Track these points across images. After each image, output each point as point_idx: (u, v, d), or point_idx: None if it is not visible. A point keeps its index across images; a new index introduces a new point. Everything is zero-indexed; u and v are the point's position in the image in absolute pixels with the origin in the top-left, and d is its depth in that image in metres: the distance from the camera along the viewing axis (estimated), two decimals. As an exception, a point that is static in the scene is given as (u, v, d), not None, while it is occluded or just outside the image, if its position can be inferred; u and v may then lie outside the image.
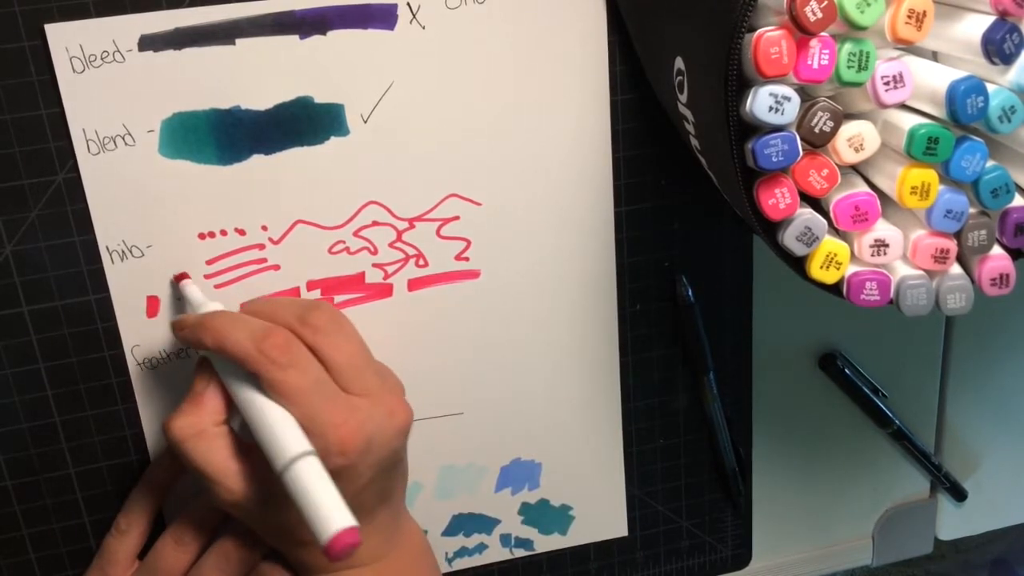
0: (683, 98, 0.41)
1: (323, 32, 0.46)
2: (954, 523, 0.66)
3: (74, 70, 0.44)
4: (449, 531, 0.57)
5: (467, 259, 0.51)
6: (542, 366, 0.54)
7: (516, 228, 0.51)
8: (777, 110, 0.36)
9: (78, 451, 0.50)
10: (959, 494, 0.65)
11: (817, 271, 0.40)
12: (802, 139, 0.37)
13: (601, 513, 0.58)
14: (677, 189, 0.53)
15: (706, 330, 0.55)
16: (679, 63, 0.41)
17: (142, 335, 0.48)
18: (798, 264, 0.41)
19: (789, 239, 0.39)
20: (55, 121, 0.45)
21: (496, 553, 0.58)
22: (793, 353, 0.58)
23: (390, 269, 0.50)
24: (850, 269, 0.40)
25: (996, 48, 0.35)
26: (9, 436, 0.49)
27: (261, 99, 0.46)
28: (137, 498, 0.50)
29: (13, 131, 0.44)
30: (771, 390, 0.59)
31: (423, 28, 0.47)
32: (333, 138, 0.47)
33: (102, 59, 0.44)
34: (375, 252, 0.50)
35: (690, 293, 0.54)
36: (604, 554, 0.60)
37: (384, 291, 0.51)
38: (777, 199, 0.38)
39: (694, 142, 0.42)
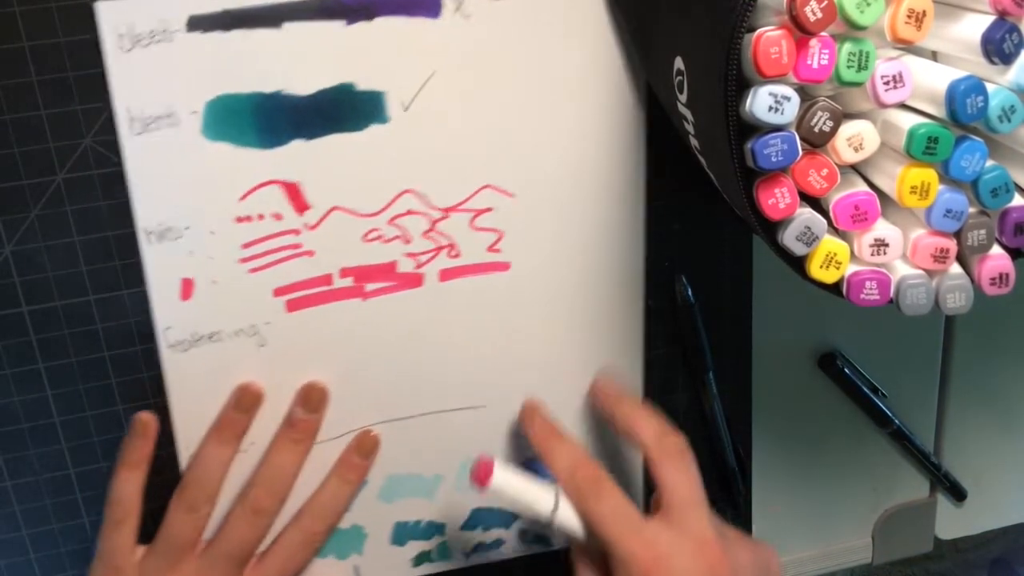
0: (683, 98, 0.41)
1: (369, 18, 0.46)
2: (954, 523, 0.66)
3: (122, 48, 0.44)
4: (468, 525, 0.57)
5: (498, 251, 0.51)
6: (566, 361, 0.54)
7: (547, 221, 0.51)
8: (777, 110, 0.36)
9: (78, 451, 0.50)
10: (959, 494, 0.65)
11: (817, 271, 0.40)
12: (802, 139, 0.37)
13: None
14: (677, 189, 0.53)
15: (706, 330, 0.55)
16: (679, 63, 0.41)
17: (175, 317, 0.49)
18: (798, 264, 0.41)
19: (789, 239, 0.39)
20: (55, 121, 0.45)
21: (513, 548, 0.58)
22: (793, 353, 0.58)
23: (422, 259, 0.51)
24: (850, 269, 0.40)
25: (996, 48, 0.35)
26: (9, 436, 0.49)
27: (304, 84, 0.46)
28: (122, 483, 0.49)
29: (13, 131, 0.44)
30: (771, 390, 0.59)
31: (467, 17, 0.47)
32: (373, 125, 0.48)
33: (150, 38, 0.44)
34: (408, 241, 0.50)
35: (690, 293, 0.54)
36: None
37: (415, 280, 0.51)
38: (777, 199, 0.38)
39: (694, 142, 0.42)
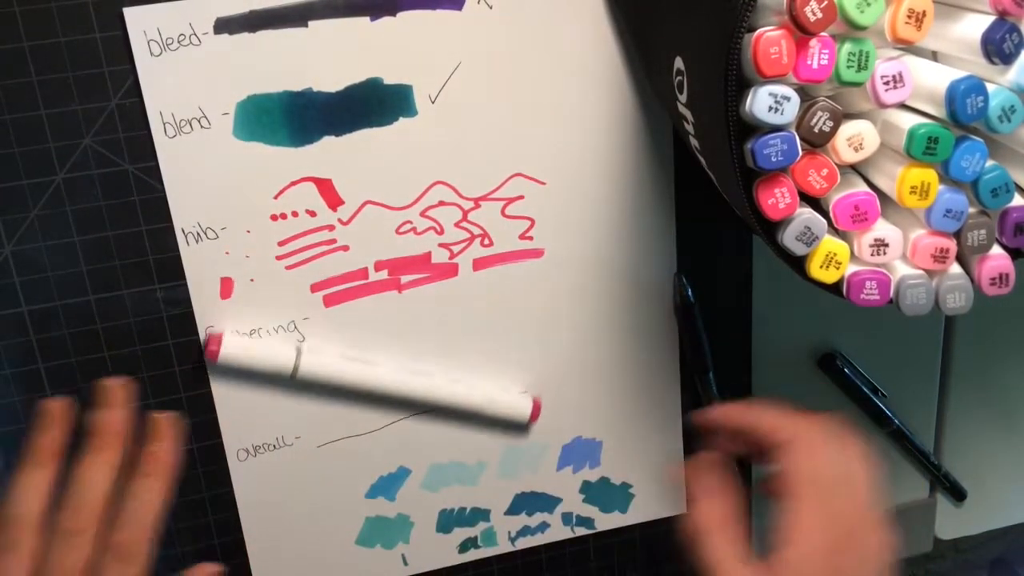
0: (683, 98, 0.41)
1: (393, 13, 0.46)
2: (953, 523, 0.66)
3: (152, 53, 0.44)
4: (511, 510, 0.57)
5: (531, 238, 0.52)
6: (602, 345, 0.55)
7: (578, 207, 0.52)
8: (777, 110, 0.36)
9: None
10: (958, 494, 0.65)
11: (817, 271, 0.40)
12: (802, 139, 0.37)
13: (660, 491, 0.59)
14: (677, 189, 0.53)
15: (706, 330, 0.55)
16: (679, 63, 0.41)
17: (216, 316, 0.49)
18: (798, 264, 0.41)
19: (789, 239, 0.39)
20: (55, 121, 0.45)
21: (558, 532, 0.58)
22: (792, 353, 0.58)
23: (456, 249, 0.51)
24: (850, 269, 0.40)
25: (996, 48, 0.35)
26: (9, 436, 0.49)
27: (332, 81, 0.47)
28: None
29: (13, 131, 0.44)
30: (771, 390, 0.59)
31: (490, 8, 0.47)
32: (401, 119, 0.48)
33: (179, 42, 0.44)
34: (441, 232, 0.50)
35: (690, 293, 0.54)
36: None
37: (450, 271, 0.51)
38: (777, 199, 0.38)
39: (694, 142, 0.42)
